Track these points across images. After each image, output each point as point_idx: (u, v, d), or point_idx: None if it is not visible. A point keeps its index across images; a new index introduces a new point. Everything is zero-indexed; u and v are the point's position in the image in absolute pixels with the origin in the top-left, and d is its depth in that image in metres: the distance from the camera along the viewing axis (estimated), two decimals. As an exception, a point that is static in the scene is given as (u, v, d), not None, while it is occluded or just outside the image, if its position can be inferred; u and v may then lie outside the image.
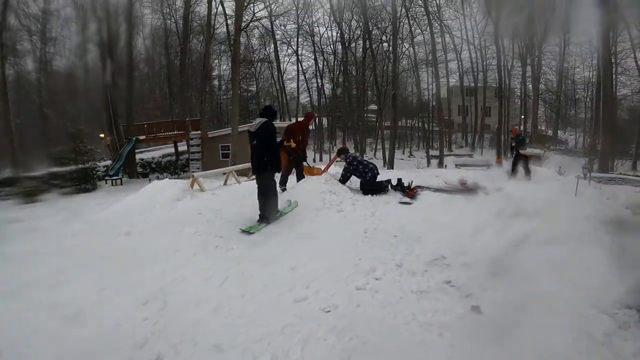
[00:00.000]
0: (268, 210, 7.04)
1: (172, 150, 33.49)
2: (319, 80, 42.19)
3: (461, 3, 37.80)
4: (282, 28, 41.62)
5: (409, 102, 43.58)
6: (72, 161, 23.87)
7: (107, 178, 26.19)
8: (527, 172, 12.44)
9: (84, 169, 24.25)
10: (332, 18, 40.29)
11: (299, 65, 42.51)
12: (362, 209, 7.70)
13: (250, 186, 8.86)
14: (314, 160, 33.88)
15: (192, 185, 9.49)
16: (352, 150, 38.99)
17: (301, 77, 43.16)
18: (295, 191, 8.46)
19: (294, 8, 40.15)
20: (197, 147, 28.37)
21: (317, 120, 41.18)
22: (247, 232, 6.66)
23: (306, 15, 41.12)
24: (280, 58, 42.70)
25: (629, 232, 6.53)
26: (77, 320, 4.07)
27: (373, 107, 42.22)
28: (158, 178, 21.08)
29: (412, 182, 9.27)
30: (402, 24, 36.79)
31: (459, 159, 33.20)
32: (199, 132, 28.39)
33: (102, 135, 30.45)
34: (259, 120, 7.05)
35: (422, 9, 36.58)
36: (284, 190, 8.75)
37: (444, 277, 4.66)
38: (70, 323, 4.00)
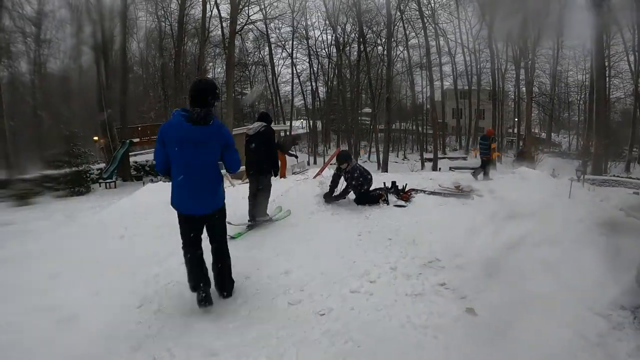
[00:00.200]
0: (256, 210, 7.05)
1: (167, 153, 33.27)
2: (314, 84, 42.35)
3: (456, 6, 38.03)
4: (277, 31, 41.90)
5: (403, 105, 43.80)
6: (65, 164, 23.74)
7: (100, 181, 26.08)
8: (487, 173, 12.44)
9: (78, 172, 24.12)
10: (327, 21, 40.45)
11: (294, 69, 42.62)
12: (356, 212, 7.68)
13: (244, 189, 8.83)
14: (308, 164, 33.85)
15: (186, 188, 9.44)
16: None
17: (295, 80, 43.28)
18: (289, 194, 8.45)
19: (289, 11, 40.36)
20: (191, 150, 28.15)
21: (311, 123, 41.28)
22: (233, 238, 6.48)
23: (301, 19, 41.30)
24: (274, 61, 42.82)
25: (623, 233, 6.56)
26: (71, 323, 4.04)
27: (367, 110, 42.35)
28: (152, 181, 20.97)
29: (406, 185, 9.27)
30: (396, 27, 36.98)
31: (453, 162, 33.39)
32: (193, 134, 28.17)
33: (96, 138, 30.33)
34: (258, 124, 7.08)
35: (417, 13, 36.76)
36: None
37: (438, 280, 4.66)
38: (63, 327, 3.97)
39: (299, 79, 43.21)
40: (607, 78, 30.70)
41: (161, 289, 4.79)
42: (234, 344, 3.60)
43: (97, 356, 3.59)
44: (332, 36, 40.66)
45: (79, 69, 31.24)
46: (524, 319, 3.67)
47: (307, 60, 42.19)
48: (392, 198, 8.60)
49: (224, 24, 35.14)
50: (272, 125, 7.58)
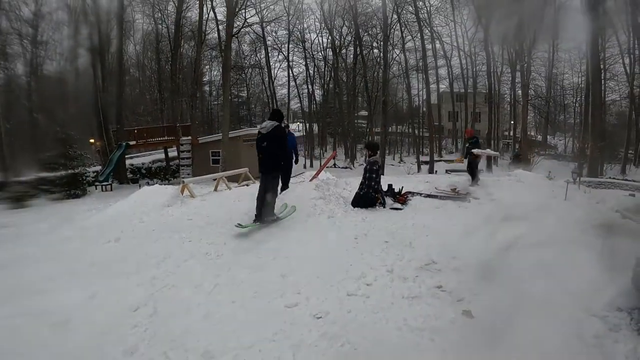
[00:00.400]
0: (265, 210, 7.07)
1: (163, 156, 33.32)
2: (310, 86, 42.32)
3: (452, 10, 38.11)
4: (273, 34, 41.82)
5: (399, 108, 43.84)
6: (61, 166, 23.58)
7: (96, 184, 25.96)
8: (474, 175, 12.03)
9: (74, 175, 23.97)
10: (323, 24, 40.49)
11: (290, 71, 42.63)
12: (353, 215, 7.69)
13: (240, 192, 8.85)
14: (305, 167, 33.85)
15: (182, 191, 9.45)
16: (342, 156, 38.72)
17: (292, 83, 43.30)
18: (286, 197, 8.45)
19: (285, 14, 40.34)
20: (187, 153, 28.20)
21: (307, 126, 41.26)
22: (240, 226, 6.74)
23: (297, 22, 41.30)
24: (271, 64, 42.84)
25: (619, 235, 6.58)
26: (67, 326, 4.02)
27: (363, 113, 42.38)
28: (148, 184, 20.90)
29: (402, 187, 9.28)
30: (393, 30, 36.99)
31: (449, 165, 33.41)
32: (190, 137, 28.24)
33: (92, 141, 30.23)
34: (271, 123, 7.06)
35: (413, 16, 36.82)
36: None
37: (435, 282, 4.66)
38: (57, 330, 3.96)
39: (296, 82, 43.15)
40: (603, 80, 30.83)
41: (157, 292, 4.77)
42: (230, 347, 3.59)
43: (93, 359, 3.58)
44: (328, 39, 40.77)
45: (76, 71, 31.08)
46: (520, 321, 3.67)
47: (304, 63, 42.18)
48: (388, 201, 8.60)
49: (221, 27, 35.18)
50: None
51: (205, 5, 31.47)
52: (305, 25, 41.81)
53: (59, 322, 4.07)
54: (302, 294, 4.49)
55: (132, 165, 31.42)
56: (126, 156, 29.68)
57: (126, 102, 33.30)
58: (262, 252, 5.98)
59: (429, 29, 37.68)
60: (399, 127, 43.29)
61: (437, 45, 38.95)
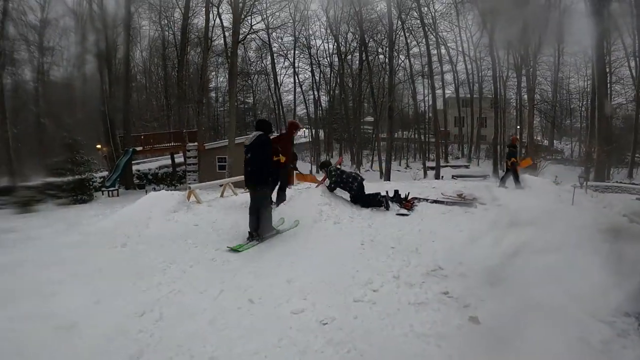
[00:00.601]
0: (262, 226, 6.87)
1: (169, 161, 33.51)
2: (316, 92, 42.38)
3: (456, 15, 38.10)
4: (279, 40, 41.94)
5: (405, 114, 43.78)
6: (68, 171, 23.71)
7: (103, 189, 26.10)
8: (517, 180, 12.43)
9: (81, 180, 24.08)
10: (328, 31, 40.61)
11: (296, 77, 42.73)
12: (359, 221, 7.69)
13: (247, 198, 8.83)
14: (310, 172, 33.85)
15: (188, 197, 9.45)
16: (348, 162, 38.79)
17: (298, 89, 43.41)
18: (292, 203, 8.45)
19: (291, 21, 40.52)
20: (193, 158, 28.30)
21: (313, 132, 41.28)
22: (235, 250, 6.45)
23: (303, 28, 41.43)
24: (277, 70, 42.96)
25: (626, 239, 6.54)
26: (72, 331, 4.03)
27: (369, 119, 42.36)
28: (154, 189, 20.96)
29: (408, 193, 9.28)
30: (398, 36, 36.99)
31: (455, 170, 33.33)
32: (196, 143, 28.35)
33: (99, 146, 30.38)
34: (255, 134, 6.88)
35: (418, 22, 36.79)
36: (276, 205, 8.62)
37: (441, 288, 4.65)
38: (62, 334, 3.95)
39: (301, 88, 43.25)
40: (609, 84, 30.71)
41: (163, 297, 4.77)
42: (236, 353, 3.59)
43: (98, 365, 3.58)
44: (333, 45, 40.81)
45: (82, 77, 31.29)
46: (527, 327, 3.65)
47: (309, 69, 42.25)
48: (394, 206, 8.61)
49: (227, 34, 35.31)
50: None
51: (211, 12, 31.59)
52: (310, 32, 42.00)
53: (64, 326, 4.06)
54: (308, 300, 4.48)
55: (138, 170, 31.58)
56: (133, 162, 29.85)
57: (133, 108, 33.54)
58: (268, 258, 5.98)
59: (434, 34, 37.66)
60: (405, 132, 43.26)
61: (443, 51, 38.98)
